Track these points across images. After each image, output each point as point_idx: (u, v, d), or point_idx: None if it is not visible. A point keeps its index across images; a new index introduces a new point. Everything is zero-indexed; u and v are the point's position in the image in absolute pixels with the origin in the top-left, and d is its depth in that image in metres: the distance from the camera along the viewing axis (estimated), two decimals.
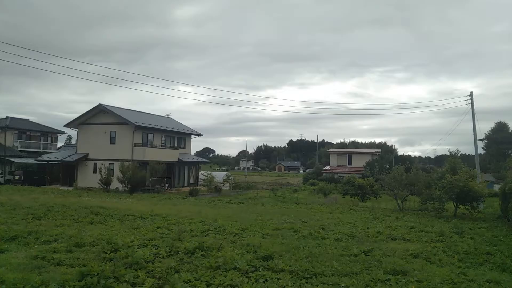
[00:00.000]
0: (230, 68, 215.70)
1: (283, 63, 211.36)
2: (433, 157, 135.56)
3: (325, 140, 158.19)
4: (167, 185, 38.82)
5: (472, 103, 32.72)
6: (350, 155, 68.29)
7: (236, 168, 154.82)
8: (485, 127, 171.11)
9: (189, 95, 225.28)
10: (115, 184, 33.23)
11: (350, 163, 65.89)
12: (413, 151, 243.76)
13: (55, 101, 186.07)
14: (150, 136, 38.69)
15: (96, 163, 37.15)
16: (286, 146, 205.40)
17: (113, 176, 34.60)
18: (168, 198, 28.48)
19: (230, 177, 44.59)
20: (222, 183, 44.37)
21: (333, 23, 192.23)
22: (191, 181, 43.18)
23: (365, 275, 8.93)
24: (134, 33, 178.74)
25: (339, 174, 60.32)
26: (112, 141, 37.53)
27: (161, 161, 35.24)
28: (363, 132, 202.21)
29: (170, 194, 34.57)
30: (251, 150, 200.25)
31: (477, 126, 31.96)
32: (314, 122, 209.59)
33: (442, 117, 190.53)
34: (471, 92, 33.34)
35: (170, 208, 21.17)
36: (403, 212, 23.90)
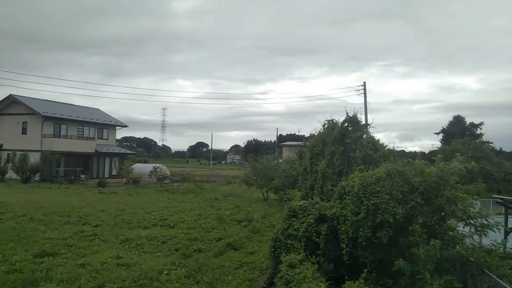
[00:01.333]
0: (229, 61, 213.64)
1: (282, 57, 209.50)
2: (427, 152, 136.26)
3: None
4: (83, 176, 39.05)
5: (365, 93, 33.17)
6: (301, 147, 68.98)
7: (223, 162, 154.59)
8: (486, 122, 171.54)
9: (187, 89, 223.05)
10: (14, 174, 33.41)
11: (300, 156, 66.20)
12: (412, 146, 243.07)
13: (54, 95, 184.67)
14: (63, 127, 38.89)
15: (9, 153, 37.30)
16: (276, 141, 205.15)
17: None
18: (49, 188, 28.77)
19: (158, 169, 44.76)
20: (149, 175, 44.61)
21: (333, 16, 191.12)
22: (114, 173, 43.45)
23: None
24: (132, 26, 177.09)
25: None
26: (24, 131, 37.75)
27: (58, 152, 35.50)
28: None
29: (77, 185, 34.83)
30: (242, 145, 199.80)
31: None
32: (313, 116, 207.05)
33: (443, 112, 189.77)
34: (364, 82, 33.86)
35: (14, 196, 21.49)
36: (266, 202, 24.31)
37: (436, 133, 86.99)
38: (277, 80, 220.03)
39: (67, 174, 38.29)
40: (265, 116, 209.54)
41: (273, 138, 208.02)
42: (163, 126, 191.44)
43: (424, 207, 6.93)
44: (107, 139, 44.68)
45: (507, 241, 16.91)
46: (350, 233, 7.13)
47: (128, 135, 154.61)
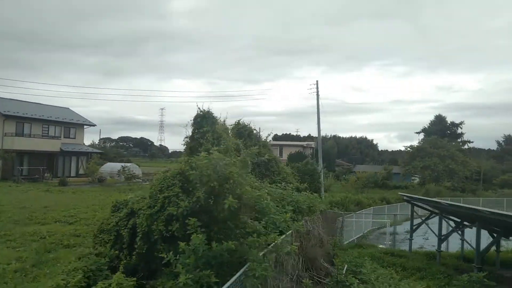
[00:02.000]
0: (227, 61, 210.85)
1: (281, 56, 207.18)
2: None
3: (311, 135, 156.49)
4: (47, 175, 39.19)
5: (317, 92, 33.32)
6: (281, 147, 68.90)
7: None
8: (485, 123, 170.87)
9: (185, 89, 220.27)
10: None
11: (281, 154, 64.85)
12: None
13: (51, 95, 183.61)
14: (26, 125, 39.07)
15: None
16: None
17: None
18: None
19: (126, 169, 44.87)
20: (117, 174, 44.77)
21: (332, 15, 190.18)
22: (81, 172, 43.58)
23: None
24: (129, 25, 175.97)
25: None
26: None
27: (20, 150, 35.71)
28: (362, 127, 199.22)
29: (38, 183, 35.02)
30: None
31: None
32: (313, 117, 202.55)
33: (442, 112, 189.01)
34: (317, 81, 34.15)
35: None
36: None
37: (417, 132, 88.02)
38: (276, 80, 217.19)
39: (31, 173, 38.49)
40: (264, 116, 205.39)
41: (268, 138, 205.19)
42: (161, 126, 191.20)
43: (209, 200, 7.02)
44: (74, 138, 44.83)
45: (412, 239, 16.97)
46: (144, 227, 7.21)
47: (125, 135, 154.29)
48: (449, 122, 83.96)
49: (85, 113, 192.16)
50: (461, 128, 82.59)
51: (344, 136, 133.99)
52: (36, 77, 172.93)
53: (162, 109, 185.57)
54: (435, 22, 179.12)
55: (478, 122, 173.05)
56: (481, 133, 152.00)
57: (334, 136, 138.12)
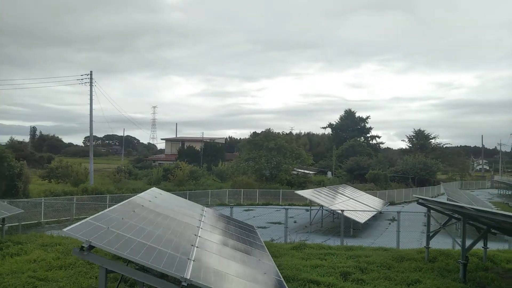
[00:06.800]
0: (223, 56, 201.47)
1: (278, 51, 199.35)
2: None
3: (312, 132, 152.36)
4: None
5: (91, 83, 32.33)
6: (183, 143, 69.80)
7: None
8: (484, 120, 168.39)
9: (182, 86, 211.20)
10: None
11: (183, 148, 66.73)
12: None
13: (46, 92, 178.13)
14: None
15: None
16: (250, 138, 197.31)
17: None
18: None
19: None
20: None
21: (329, 8, 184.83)
22: None
23: None
24: (122, 20, 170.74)
25: (160, 162, 64.31)
26: None
27: None
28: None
29: None
30: None
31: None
32: (310, 114, 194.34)
33: (441, 110, 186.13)
34: (91, 72, 33.92)
35: None
36: None
37: (323, 128, 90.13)
38: (273, 76, 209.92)
39: None
40: (262, 114, 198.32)
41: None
42: (153, 124, 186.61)
43: None
44: None
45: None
46: None
47: (124, 134, 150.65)
48: (359, 116, 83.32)
49: (81, 111, 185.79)
50: (367, 122, 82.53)
51: (319, 133, 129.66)
52: (29, 74, 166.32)
53: (154, 107, 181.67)
54: (434, 15, 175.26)
55: (479, 120, 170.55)
56: (481, 131, 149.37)
57: (308, 133, 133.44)
